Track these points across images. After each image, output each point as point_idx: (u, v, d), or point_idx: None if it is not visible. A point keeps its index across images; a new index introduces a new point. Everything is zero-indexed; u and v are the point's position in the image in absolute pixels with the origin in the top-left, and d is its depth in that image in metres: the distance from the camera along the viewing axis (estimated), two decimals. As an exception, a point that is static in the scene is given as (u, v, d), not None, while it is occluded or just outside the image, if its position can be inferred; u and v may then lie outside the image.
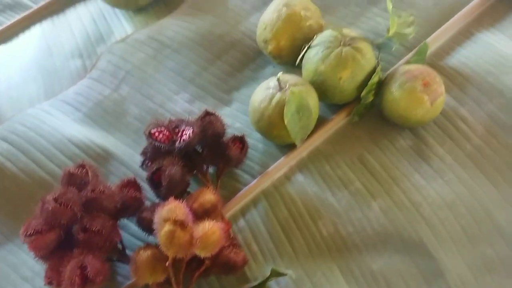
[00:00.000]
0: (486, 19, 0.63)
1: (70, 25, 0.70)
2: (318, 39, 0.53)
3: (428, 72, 0.51)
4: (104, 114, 0.58)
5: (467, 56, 0.59)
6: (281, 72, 0.51)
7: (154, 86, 0.60)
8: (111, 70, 0.61)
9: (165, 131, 0.48)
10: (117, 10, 0.71)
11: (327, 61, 0.52)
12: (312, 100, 0.51)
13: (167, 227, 0.37)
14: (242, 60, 0.62)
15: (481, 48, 0.60)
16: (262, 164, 0.54)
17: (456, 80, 0.57)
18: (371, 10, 0.64)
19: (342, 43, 0.52)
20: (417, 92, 0.50)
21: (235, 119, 0.57)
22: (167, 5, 0.71)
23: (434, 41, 0.61)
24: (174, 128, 0.48)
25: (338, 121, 0.55)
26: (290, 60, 0.57)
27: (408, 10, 0.64)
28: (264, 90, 0.51)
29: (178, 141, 0.47)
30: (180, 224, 0.38)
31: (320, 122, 0.54)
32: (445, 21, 0.62)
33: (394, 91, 0.51)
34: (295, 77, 0.52)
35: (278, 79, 0.50)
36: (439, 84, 0.51)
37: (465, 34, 0.62)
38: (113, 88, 0.60)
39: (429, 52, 0.59)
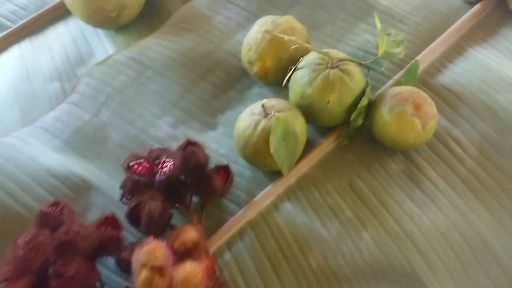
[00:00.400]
0: (478, 33, 0.62)
1: (50, 46, 0.68)
2: (305, 61, 0.51)
3: (419, 94, 0.49)
4: (84, 141, 0.56)
5: (459, 73, 0.57)
6: (266, 100, 0.49)
7: (135, 110, 0.58)
8: (91, 93, 0.59)
9: (145, 163, 0.45)
10: (98, 30, 0.68)
11: (314, 84, 0.50)
12: (299, 126, 0.49)
13: (144, 274, 0.35)
14: (227, 80, 0.60)
15: (473, 65, 0.58)
16: (249, 192, 0.51)
17: (448, 99, 0.55)
18: (359, 26, 0.62)
19: (329, 65, 0.50)
20: (408, 116, 0.48)
21: (220, 144, 0.55)
22: (149, 23, 0.68)
23: (425, 58, 0.59)
24: (154, 159, 0.46)
25: (327, 145, 0.53)
26: (277, 80, 0.55)
27: (397, 26, 0.62)
28: (249, 117, 0.49)
29: (159, 173, 0.45)
30: (159, 270, 0.35)
31: (309, 145, 0.52)
32: (435, 37, 0.61)
33: (385, 115, 0.49)
34: (281, 102, 0.50)
35: (263, 106, 0.48)
36: (430, 106, 0.49)
37: (456, 50, 0.60)
38: (93, 113, 0.58)
39: (420, 69, 0.58)
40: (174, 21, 0.65)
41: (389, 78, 0.57)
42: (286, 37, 0.50)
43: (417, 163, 0.51)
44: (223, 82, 0.60)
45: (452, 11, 0.63)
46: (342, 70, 0.50)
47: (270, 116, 0.48)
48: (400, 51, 0.54)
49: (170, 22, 0.65)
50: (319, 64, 0.50)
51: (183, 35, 0.63)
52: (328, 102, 0.49)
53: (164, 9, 0.69)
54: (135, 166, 0.45)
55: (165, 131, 0.56)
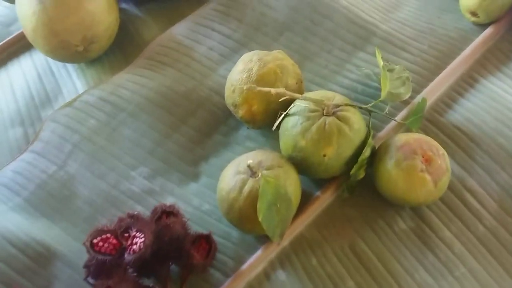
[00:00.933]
0: (490, 60, 0.55)
1: (12, 84, 0.61)
2: (297, 106, 0.45)
3: (429, 144, 0.43)
4: (47, 198, 0.49)
5: (472, 110, 0.51)
6: (252, 154, 0.43)
7: (107, 161, 0.51)
8: (56, 142, 0.52)
9: (111, 238, 0.39)
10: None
11: (308, 135, 0.43)
12: (292, 185, 0.42)
13: None
14: (210, 122, 0.53)
15: (487, 100, 0.51)
16: (236, 258, 0.45)
17: (462, 142, 0.49)
18: (357, 56, 0.56)
19: (325, 112, 0.43)
20: (417, 172, 0.41)
21: (203, 199, 0.48)
22: (124, 53, 0.61)
23: (433, 91, 0.52)
24: (122, 231, 0.39)
25: (324, 199, 0.47)
26: (265, 124, 0.49)
27: (400, 55, 0.55)
28: (233, 176, 0.42)
29: (128, 251, 0.38)
30: None
31: (304, 199, 0.46)
32: (444, 66, 0.54)
33: (390, 170, 0.42)
34: (269, 156, 0.43)
35: (249, 166, 0.41)
36: (443, 158, 0.42)
37: (468, 81, 0.53)
38: (59, 165, 0.51)
39: (428, 104, 0.51)
40: (150, 53, 0.58)
41: (393, 116, 0.51)
42: (273, 91, 0.43)
43: (428, 220, 0.45)
44: (206, 124, 0.53)
45: (461, 35, 0.57)
46: (339, 118, 0.43)
47: (257, 177, 0.41)
48: (405, 91, 0.47)
49: (145, 54, 0.58)
50: (314, 111, 0.43)
51: (161, 70, 0.56)
52: (324, 155, 0.43)
53: (139, 38, 0.61)
54: (100, 244, 0.38)
55: (141, 185, 0.49)
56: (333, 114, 0.43)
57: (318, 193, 0.47)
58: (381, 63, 0.46)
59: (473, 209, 0.45)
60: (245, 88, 0.46)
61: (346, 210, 0.46)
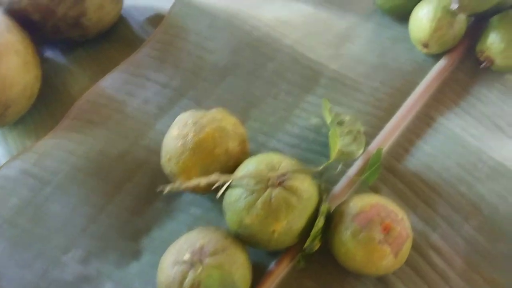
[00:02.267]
0: (446, 95, 0.52)
1: None
2: (239, 178, 0.40)
3: (387, 211, 0.39)
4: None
5: (431, 155, 0.47)
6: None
7: (32, 247, 0.44)
8: (-28, 229, 0.46)
9: None
10: (-15, 125, 0.54)
11: (253, 212, 0.38)
12: (239, 269, 0.37)
13: None
14: (150, 187, 0.47)
15: (446, 141, 0.48)
16: None
17: (422, 193, 0.45)
18: (305, 99, 0.51)
19: (270, 183, 0.39)
20: (376, 244, 0.37)
21: (146, 281, 0.43)
22: (49, 111, 0.55)
23: (389, 134, 0.48)
24: None
25: (279, 272, 0.42)
26: (209, 192, 0.43)
27: (351, 95, 0.51)
28: (172, 267, 0.37)
29: None
30: None
31: (257, 275, 0.41)
32: (399, 104, 0.50)
33: (347, 242, 0.38)
34: (213, 237, 0.38)
35: (191, 253, 0.36)
36: (402, 224, 0.39)
37: (424, 120, 0.50)
38: (-23, 255, 0.44)
39: (384, 150, 0.47)
40: (77, 112, 0.51)
41: (349, 166, 0.46)
42: (202, 182, 0.38)
43: (393, 287, 0.41)
44: (144, 190, 0.47)
45: (415, 68, 0.53)
46: (287, 189, 0.38)
47: (199, 270, 0.36)
48: (357, 148, 0.43)
49: (73, 113, 0.51)
50: (258, 183, 0.39)
51: (90, 132, 0.50)
52: (273, 231, 0.38)
53: (66, 92, 0.55)
54: None
55: (74, 271, 0.44)
56: (280, 184, 0.39)
57: (272, 265, 0.43)
58: (329, 119, 0.42)
59: (439, 270, 0.42)
60: (181, 158, 0.41)
61: (303, 282, 0.42)
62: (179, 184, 0.39)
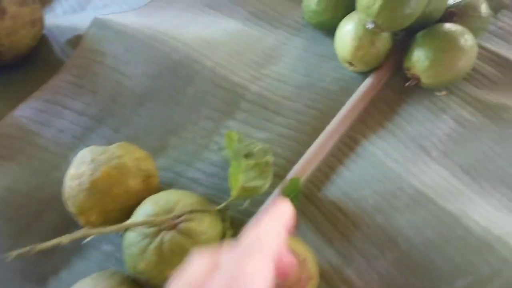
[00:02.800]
0: (372, 115, 0.49)
1: None
2: (134, 218, 0.38)
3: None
4: None
5: (351, 182, 0.45)
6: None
7: None
8: None
9: None
10: None
11: (146, 257, 0.36)
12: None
13: None
14: (59, 226, 0.45)
15: (367, 166, 0.46)
16: None
17: (340, 223, 0.43)
18: (225, 125, 0.49)
19: (164, 227, 0.37)
20: (273, 289, 0.36)
21: (51, 326, 0.41)
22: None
23: (310, 160, 0.46)
24: None
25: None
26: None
27: (273, 119, 0.49)
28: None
29: None
30: None
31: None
32: (322, 126, 0.48)
33: None
34: (106, 285, 0.36)
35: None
36: (304, 267, 0.37)
37: (347, 143, 0.48)
38: None
39: (305, 178, 0.45)
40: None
41: (267, 195, 0.44)
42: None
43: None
44: (54, 230, 0.45)
45: (342, 87, 0.51)
46: (182, 232, 0.36)
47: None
48: (263, 182, 0.41)
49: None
50: (151, 226, 0.37)
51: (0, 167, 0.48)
52: (169, 277, 0.36)
53: None
54: None
55: (-24, 317, 0.42)
56: (174, 227, 0.37)
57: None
58: (231, 153, 0.40)
59: (351, 308, 0.40)
60: (77, 199, 0.39)
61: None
62: (30, 248, 0.36)
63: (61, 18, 0.60)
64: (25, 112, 0.51)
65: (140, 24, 0.53)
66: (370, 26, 0.44)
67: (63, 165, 0.48)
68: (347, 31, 0.48)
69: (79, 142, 0.50)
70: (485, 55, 0.53)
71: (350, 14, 0.50)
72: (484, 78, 0.51)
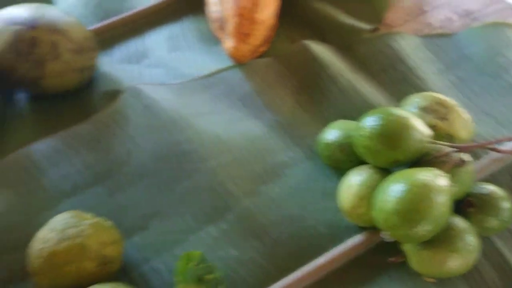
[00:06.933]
0: (351, 274, 0.47)
1: None
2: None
3: None
4: None
5: None
6: None
7: None
8: None
9: None
10: None
11: None
12: None
13: None
14: (14, 272, 0.47)
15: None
16: None
17: None
18: (206, 229, 0.49)
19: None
20: None
21: None
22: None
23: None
24: None
25: None
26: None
27: (250, 242, 0.48)
28: None
29: None
30: None
31: None
32: (294, 267, 0.47)
33: None
34: None
35: None
36: None
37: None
38: None
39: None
40: (3, 166, 0.53)
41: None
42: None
43: None
44: (8, 272, 0.47)
45: (332, 233, 0.49)
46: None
47: None
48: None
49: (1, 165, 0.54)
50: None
51: (3, 190, 0.52)
52: None
53: (12, 140, 0.57)
54: None
55: None
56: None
57: None
58: (179, 277, 0.40)
59: None
60: (35, 262, 0.42)
61: None
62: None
63: (114, 66, 0.64)
64: (42, 147, 0.55)
65: (168, 103, 0.56)
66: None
67: (52, 212, 0.51)
68: (353, 183, 0.47)
69: (75, 193, 0.52)
70: (494, 258, 0.49)
71: (361, 166, 0.48)
72: (482, 281, 0.47)
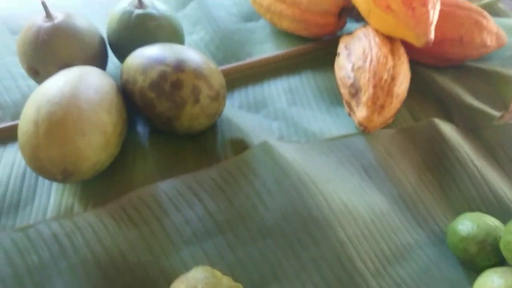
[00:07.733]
0: None
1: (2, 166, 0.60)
2: None
3: None
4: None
5: None
6: None
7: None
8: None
9: None
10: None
11: None
12: None
13: None
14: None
15: None
16: None
17: None
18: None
19: None
20: None
21: None
22: (110, 185, 0.57)
23: None
24: None
25: None
26: None
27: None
28: None
29: None
30: None
31: None
32: None
33: None
34: None
35: None
36: None
37: None
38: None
39: None
40: (126, 202, 0.53)
41: None
42: None
43: None
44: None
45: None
46: None
47: None
48: None
49: (122, 200, 0.53)
50: None
51: (125, 227, 0.52)
52: None
53: (127, 176, 0.57)
54: None
55: None
56: None
57: None
58: None
59: None
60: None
61: None
62: None
63: (235, 112, 0.65)
64: (167, 187, 0.55)
65: (297, 163, 0.55)
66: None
67: (173, 256, 0.51)
68: (496, 286, 0.45)
69: (196, 242, 0.52)
70: None
71: (505, 268, 0.46)
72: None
